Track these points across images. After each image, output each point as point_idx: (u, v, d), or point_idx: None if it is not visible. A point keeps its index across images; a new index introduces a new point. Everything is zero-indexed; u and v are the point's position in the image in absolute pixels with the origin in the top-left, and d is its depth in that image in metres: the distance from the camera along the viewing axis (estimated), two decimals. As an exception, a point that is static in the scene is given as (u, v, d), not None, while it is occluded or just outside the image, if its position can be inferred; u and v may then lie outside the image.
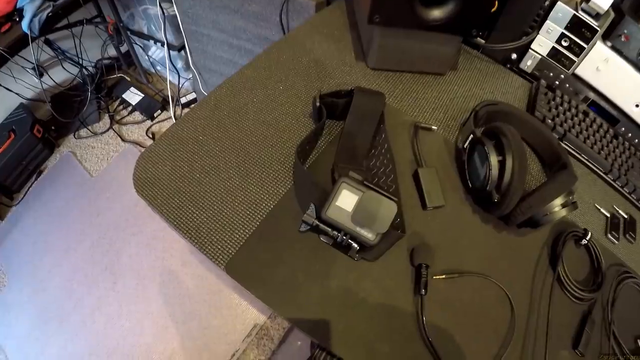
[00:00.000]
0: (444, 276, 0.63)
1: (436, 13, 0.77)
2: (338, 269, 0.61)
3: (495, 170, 0.64)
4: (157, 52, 2.01)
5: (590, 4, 0.88)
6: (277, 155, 0.70)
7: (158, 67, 2.09)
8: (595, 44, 0.94)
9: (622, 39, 0.92)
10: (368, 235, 0.55)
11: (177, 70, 1.96)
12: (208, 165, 0.68)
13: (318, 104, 0.68)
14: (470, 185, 0.71)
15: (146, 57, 2.07)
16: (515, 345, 0.63)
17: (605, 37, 0.94)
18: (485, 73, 0.99)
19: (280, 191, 0.66)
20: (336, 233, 0.56)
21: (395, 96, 0.83)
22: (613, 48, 0.94)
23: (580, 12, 0.90)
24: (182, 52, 1.81)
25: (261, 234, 0.62)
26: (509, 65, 1.05)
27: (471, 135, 0.70)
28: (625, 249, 0.87)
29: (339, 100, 0.70)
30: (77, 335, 1.50)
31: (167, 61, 1.85)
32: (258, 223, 0.63)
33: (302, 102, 0.77)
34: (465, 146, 0.73)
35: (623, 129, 1.03)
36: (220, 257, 0.60)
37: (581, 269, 0.78)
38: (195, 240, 0.61)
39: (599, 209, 0.88)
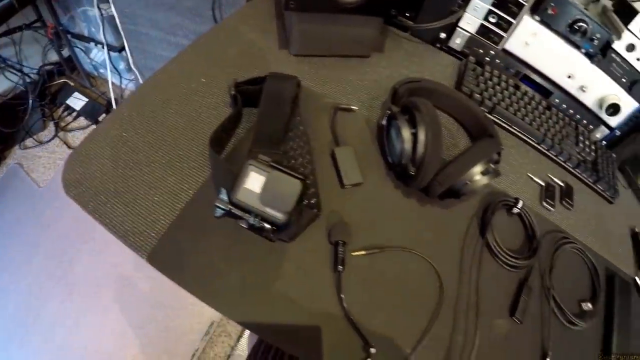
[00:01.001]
0: (364, 252, 0.65)
1: None
2: (257, 252, 0.63)
3: (408, 144, 0.67)
4: (98, 55, 2.01)
5: None
6: (197, 147, 0.72)
7: (101, 70, 2.09)
8: (522, 18, 0.97)
9: (550, 11, 0.96)
10: (277, 214, 0.57)
11: (118, 72, 1.97)
12: (132, 161, 0.70)
13: (233, 92, 0.70)
14: (389, 161, 0.74)
15: (88, 60, 2.06)
16: (445, 318, 0.66)
17: (533, 11, 0.97)
18: (413, 54, 1.01)
19: (200, 180, 0.68)
20: (248, 215, 0.58)
21: (318, 80, 0.85)
22: (541, 22, 0.98)
23: None
24: (123, 52, 1.81)
25: (181, 223, 0.64)
26: (438, 45, 1.08)
27: (388, 112, 0.73)
28: (562, 215, 0.91)
29: (254, 87, 0.72)
30: (40, 352, 1.50)
31: (108, 63, 1.85)
32: (178, 212, 0.65)
33: (223, 93, 0.79)
34: (383, 123, 0.75)
35: (557, 100, 1.08)
36: (143, 247, 0.62)
37: (516, 238, 0.82)
38: (119, 233, 0.63)
39: (533, 178, 0.92)
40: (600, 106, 1.07)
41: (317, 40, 0.86)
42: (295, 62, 0.87)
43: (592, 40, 0.97)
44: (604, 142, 1.16)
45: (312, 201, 0.65)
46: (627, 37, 0.96)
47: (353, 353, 0.60)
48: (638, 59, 0.99)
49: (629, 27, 0.95)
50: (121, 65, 1.95)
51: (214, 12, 1.17)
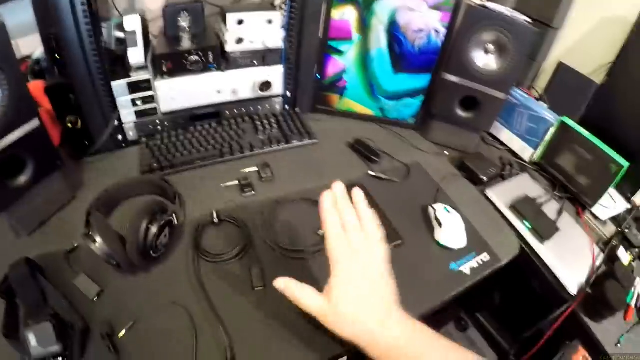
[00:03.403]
0: (124, 330, 0.94)
1: (23, 179, 1.10)
2: None
3: (99, 251, 1.03)
4: None
5: (132, 66, 1.32)
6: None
7: None
8: (155, 85, 1.36)
9: (166, 68, 1.37)
10: (53, 349, 0.89)
11: None
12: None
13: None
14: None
15: None
16: (207, 338, 0.92)
17: (160, 75, 1.38)
18: (108, 168, 1.33)
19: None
20: None
21: (49, 242, 1.12)
22: (170, 76, 1.38)
23: (130, 77, 1.33)
24: None
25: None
26: (124, 145, 1.39)
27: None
28: (268, 189, 1.30)
29: (8, 284, 1.03)
30: None
31: None
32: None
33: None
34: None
35: (227, 112, 1.51)
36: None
37: (233, 237, 1.13)
38: None
39: (227, 185, 1.29)
40: (257, 90, 1.49)
41: (32, 216, 1.16)
42: (31, 239, 1.14)
43: (207, 59, 1.39)
44: (286, 107, 1.60)
45: (78, 325, 1.01)
46: (230, 37, 1.37)
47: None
48: (251, 42, 1.41)
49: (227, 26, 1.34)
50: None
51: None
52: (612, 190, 1.34)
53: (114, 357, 0.89)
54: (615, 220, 1.33)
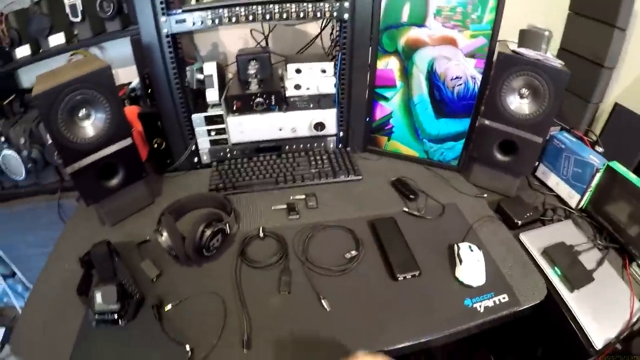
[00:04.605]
0: (170, 306, 1.15)
1: (114, 182, 1.45)
2: (127, 331, 1.12)
3: (165, 243, 1.36)
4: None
5: (209, 103, 1.64)
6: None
7: (5, 300, 2.38)
8: (227, 120, 1.67)
9: (236, 107, 1.66)
10: (112, 306, 1.14)
11: (22, 295, 2.29)
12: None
13: (80, 265, 1.32)
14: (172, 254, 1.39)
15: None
16: (234, 319, 1.12)
17: (231, 113, 1.68)
18: (182, 183, 1.67)
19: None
20: (107, 315, 1.14)
21: (126, 233, 1.42)
22: (240, 114, 1.68)
23: (207, 112, 1.65)
24: (16, 276, 2.18)
25: (81, 341, 1.09)
26: (198, 167, 1.74)
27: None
28: (311, 215, 1.48)
29: (89, 257, 1.31)
30: None
31: (9, 290, 2.26)
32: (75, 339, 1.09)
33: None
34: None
35: (286, 147, 1.76)
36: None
37: (273, 249, 1.34)
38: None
39: (276, 208, 1.52)
40: (313, 129, 1.73)
41: (117, 212, 1.44)
42: (114, 229, 1.45)
43: (270, 102, 1.66)
44: (339, 146, 1.81)
45: (137, 296, 1.25)
46: (290, 84, 1.64)
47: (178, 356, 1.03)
48: (308, 88, 1.67)
49: (287, 74, 1.62)
50: (19, 288, 2.26)
51: (62, 219, 1.78)
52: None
53: (157, 324, 1.11)
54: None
